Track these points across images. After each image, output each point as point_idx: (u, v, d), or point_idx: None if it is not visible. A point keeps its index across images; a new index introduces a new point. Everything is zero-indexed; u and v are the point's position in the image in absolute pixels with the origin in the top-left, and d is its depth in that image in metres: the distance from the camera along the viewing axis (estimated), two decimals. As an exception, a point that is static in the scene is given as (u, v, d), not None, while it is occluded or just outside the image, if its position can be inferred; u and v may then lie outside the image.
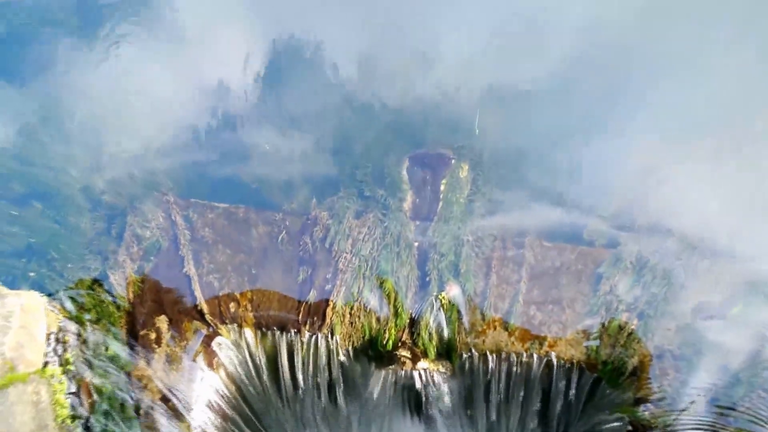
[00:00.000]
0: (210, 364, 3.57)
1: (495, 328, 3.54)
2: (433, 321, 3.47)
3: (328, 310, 3.47)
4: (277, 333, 3.54)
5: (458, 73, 3.74)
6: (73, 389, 3.19)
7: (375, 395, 3.61)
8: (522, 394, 3.62)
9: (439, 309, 3.44)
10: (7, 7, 3.69)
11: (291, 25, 3.91)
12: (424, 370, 3.60)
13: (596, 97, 3.57)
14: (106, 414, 3.21)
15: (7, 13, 3.70)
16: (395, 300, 3.43)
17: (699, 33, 3.58)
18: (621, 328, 3.42)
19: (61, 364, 3.18)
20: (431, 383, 3.60)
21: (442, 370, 3.58)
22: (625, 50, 3.61)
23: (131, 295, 3.35)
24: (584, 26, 3.69)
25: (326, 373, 3.66)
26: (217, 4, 4.01)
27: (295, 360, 3.64)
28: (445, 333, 3.51)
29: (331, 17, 3.90)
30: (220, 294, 3.45)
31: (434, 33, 3.82)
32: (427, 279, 3.40)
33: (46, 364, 3.14)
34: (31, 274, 3.24)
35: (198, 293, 3.48)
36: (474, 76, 3.74)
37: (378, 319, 3.47)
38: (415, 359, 3.60)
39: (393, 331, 3.50)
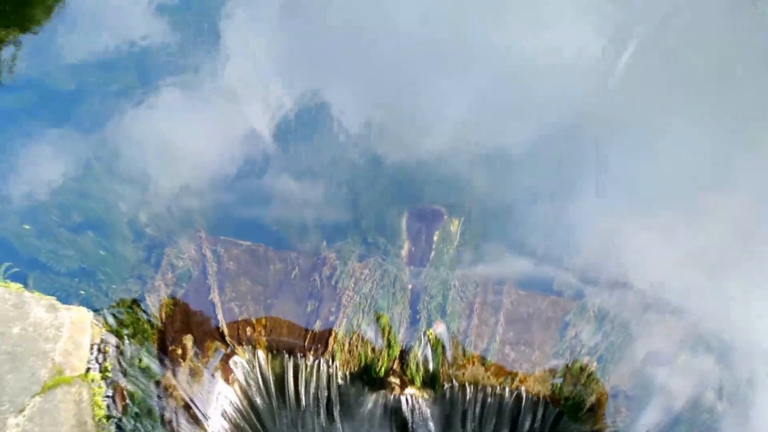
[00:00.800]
0: (227, 380, 4.04)
1: (474, 363, 4.00)
2: (421, 353, 3.94)
3: (331, 339, 3.95)
4: (286, 356, 4.01)
5: (453, 137, 4.28)
6: (110, 393, 3.67)
7: (367, 415, 4.08)
8: (494, 422, 4.06)
9: (427, 343, 3.92)
10: (78, 68, 4.33)
11: (312, 87, 4.50)
12: (411, 395, 4.05)
13: (571, 163, 4.06)
14: (136, 416, 3.68)
15: (78, 72, 4.34)
16: (389, 333, 3.92)
17: (660, 115, 4.13)
18: (582, 369, 3.86)
19: (100, 371, 3.67)
20: (416, 407, 4.06)
21: (426, 396, 4.03)
22: (596, 125, 4.15)
23: (163, 316, 3.85)
24: (562, 100, 4.25)
25: (326, 393, 4.11)
26: (251, 69, 4.61)
27: (300, 380, 4.09)
28: (431, 365, 3.96)
29: (344, 83, 4.48)
30: (239, 319, 3.95)
31: (433, 101, 4.37)
32: (418, 317, 3.89)
33: (88, 370, 3.63)
34: (82, 292, 3.76)
35: (220, 317, 3.97)
36: (466, 140, 4.26)
37: (373, 349, 3.93)
38: (403, 386, 4.05)
39: (386, 360, 3.96)
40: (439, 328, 3.79)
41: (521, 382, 3.72)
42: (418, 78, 4.29)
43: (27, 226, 3.67)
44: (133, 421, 3.46)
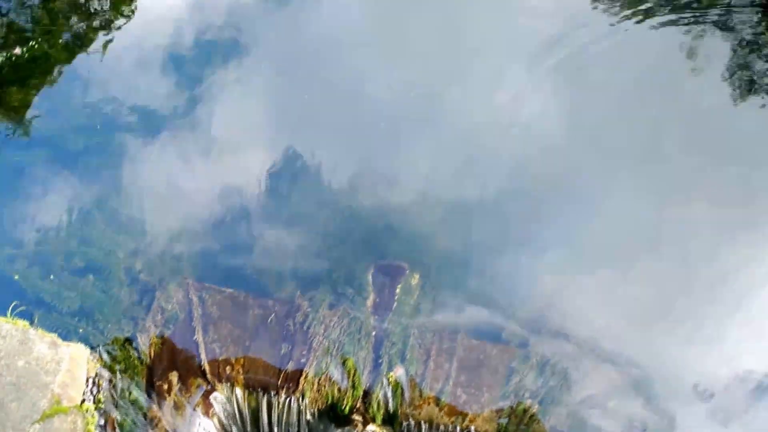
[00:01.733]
0: (207, 413, 4.38)
1: (429, 404, 4.39)
2: (382, 394, 4.31)
3: (302, 379, 4.33)
4: (261, 393, 4.34)
5: (418, 192, 4.65)
6: (102, 423, 4.05)
7: (333, 449, 4.49)
8: (446, 457, 4.48)
9: (388, 385, 4.32)
10: (85, 129, 4.84)
11: (294, 142, 4.91)
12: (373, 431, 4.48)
13: (521, 219, 4.56)
14: (124, 444, 4.09)
15: (86, 133, 4.84)
16: (354, 375, 4.32)
17: (603, 178, 4.63)
18: (525, 410, 4.23)
19: (94, 402, 4.04)
20: (377, 443, 4.48)
21: (386, 433, 4.46)
22: (546, 184, 4.64)
23: (152, 354, 4.24)
24: (516, 161, 4.63)
25: (296, 429, 4.51)
26: (240, 125, 5.12)
27: (273, 415, 4.47)
28: (391, 404, 4.32)
29: (323, 140, 4.90)
30: (220, 359, 4.33)
31: (401, 158, 4.71)
32: (380, 361, 4.26)
33: (83, 401, 3.99)
34: (80, 330, 4.14)
35: (203, 356, 4.34)
36: (430, 195, 4.71)
37: (339, 389, 4.26)
38: (365, 423, 4.42)
39: (350, 399, 4.33)
40: (399, 372, 4.21)
41: (471, 421, 4.12)
42: (389, 137, 4.76)
43: (52, 276, 4.18)
44: (121, 449, 3.85)
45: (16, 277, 4.16)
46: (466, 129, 4.85)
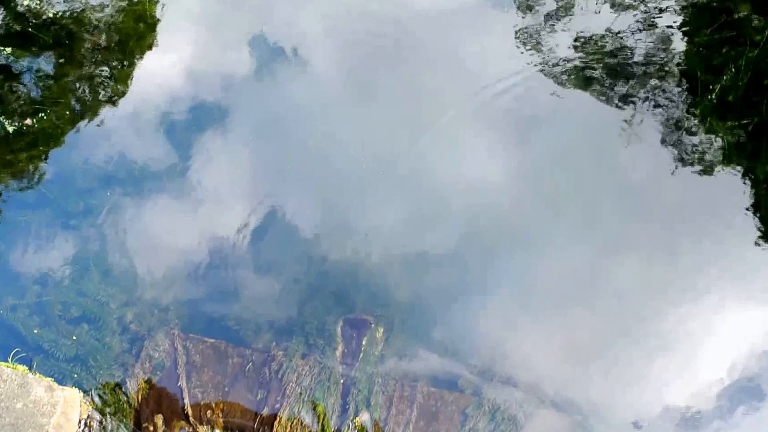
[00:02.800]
0: (187, 456, 4.79)
1: (392, 447, 4.82)
2: (349, 437, 4.76)
3: (276, 423, 4.61)
4: None
5: (383, 246, 4.91)
6: (91, 461, 4.43)
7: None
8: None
9: (354, 429, 4.73)
10: (86, 192, 5.33)
11: (273, 198, 5.16)
12: (343, 473, 4.81)
13: (475, 271, 4.76)
14: (111, 481, 4.42)
15: (86, 195, 5.32)
16: (324, 420, 4.65)
17: (549, 230, 4.98)
18: None
19: (83, 443, 4.44)
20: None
21: (354, 474, 4.79)
22: (500, 236, 4.96)
23: (139, 398, 4.58)
24: (471, 215, 5.04)
25: (272, 472, 4.85)
26: (227, 184, 5.51)
27: (251, 459, 4.86)
28: (359, 448, 4.76)
29: (299, 195, 5.21)
30: (202, 403, 4.66)
31: (369, 214, 5.08)
32: (347, 407, 4.54)
33: (73, 442, 4.40)
34: (75, 375, 4.47)
35: (186, 401, 4.65)
36: (394, 248, 4.93)
37: None
38: (334, 464, 4.82)
39: (320, 442, 4.77)
40: (364, 417, 4.60)
41: (429, 463, 4.53)
42: (358, 194, 5.26)
43: (36, 330, 4.58)
44: (107, 486, 4.19)
45: (36, 331, 4.56)
46: (425, 188, 5.32)
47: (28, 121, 5.32)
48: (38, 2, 6.10)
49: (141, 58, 5.99)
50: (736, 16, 5.97)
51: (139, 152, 5.50)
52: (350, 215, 5.22)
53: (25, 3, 6.04)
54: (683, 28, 6.01)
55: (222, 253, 5.07)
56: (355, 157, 5.48)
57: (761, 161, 5.35)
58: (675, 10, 6.12)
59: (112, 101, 5.73)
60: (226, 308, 4.85)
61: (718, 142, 5.47)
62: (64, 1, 6.17)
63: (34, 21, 5.97)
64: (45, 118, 5.39)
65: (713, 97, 5.55)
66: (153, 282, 4.94)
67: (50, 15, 6.02)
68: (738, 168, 5.36)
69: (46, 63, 5.82)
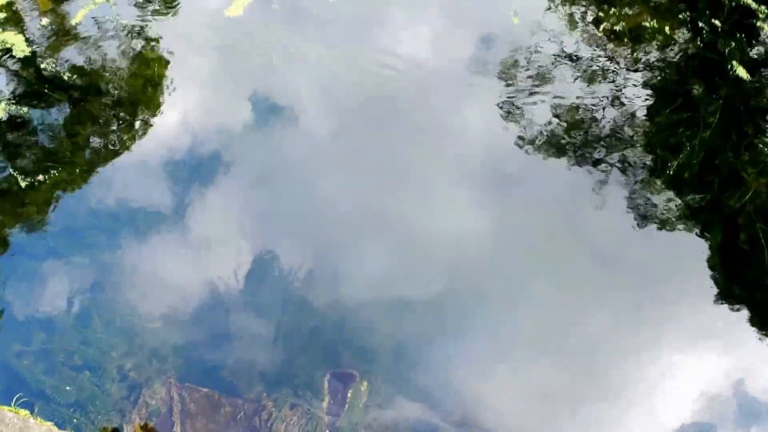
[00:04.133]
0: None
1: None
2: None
3: None
4: None
5: (367, 291, 5.20)
6: (86, 503, 4.60)
7: None
8: None
9: (336, 476, 4.97)
10: (91, 245, 5.62)
11: (266, 244, 5.49)
12: None
13: (454, 322, 5.02)
14: None
15: (91, 247, 5.62)
16: (309, 467, 4.95)
17: (522, 286, 5.30)
18: None
19: (80, 485, 4.62)
20: None
21: None
22: (477, 288, 5.25)
23: (133, 443, 4.85)
24: (449, 264, 5.36)
25: None
26: (223, 232, 5.78)
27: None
28: (339, 493, 4.98)
29: (289, 241, 5.51)
30: None
31: (355, 260, 5.36)
32: None
33: (70, 484, 4.58)
34: (75, 420, 4.65)
35: None
36: (378, 294, 5.23)
37: None
38: None
39: (302, 487, 4.97)
40: (347, 465, 4.88)
41: None
42: (346, 241, 5.61)
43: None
44: None
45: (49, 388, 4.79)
46: (410, 239, 5.65)
47: (41, 177, 5.63)
48: (55, 66, 6.51)
49: (149, 114, 6.39)
50: (693, 92, 6.55)
51: (143, 202, 5.79)
52: (339, 265, 5.53)
53: (43, 66, 6.46)
54: (645, 105, 6.56)
55: (218, 304, 5.34)
56: (343, 210, 5.85)
57: (713, 232, 5.82)
58: (638, 86, 6.68)
59: (119, 154, 6.07)
60: (220, 359, 5.10)
61: (678, 210, 5.93)
62: (80, 65, 6.60)
63: (51, 82, 6.36)
64: (56, 174, 5.71)
65: (670, 173, 6.05)
66: (153, 331, 5.20)
67: (66, 78, 6.42)
68: (695, 232, 5.81)
69: (59, 120, 6.18)
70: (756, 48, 6.89)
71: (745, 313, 5.42)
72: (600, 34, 7.06)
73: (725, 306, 5.44)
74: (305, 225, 5.79)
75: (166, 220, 5.76)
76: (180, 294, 5.40)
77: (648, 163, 6.18)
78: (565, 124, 6.41)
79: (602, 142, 6.31)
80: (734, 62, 6.66)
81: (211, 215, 5.79)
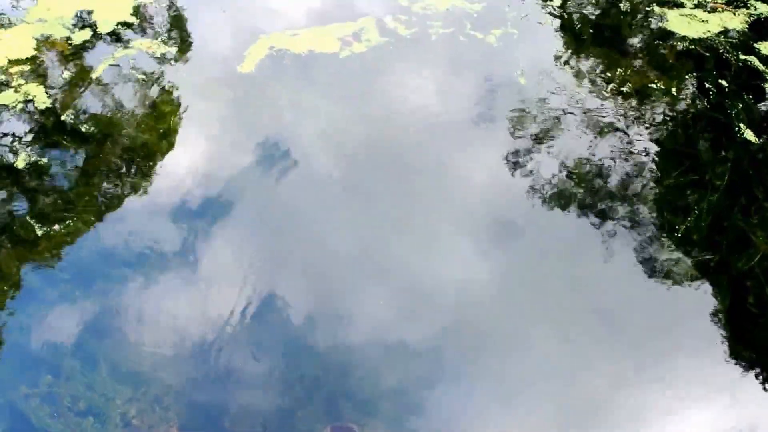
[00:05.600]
0: None
1: None
2: None
3: None
4: None
5: (368, 337, 5.43)
6: None
7: None
8: None
9: None
10: (101, 290, 6.02)
11: (268, 288, 5.77)
12: None
13: (455, 369, 5.29)
14: None
15: (101, 295, 6.01)
16: None
17: (522, 326, 5.55)
18: None
19: None
20: None
21: None
22: (480, 336, 5.47)
23: (132, 491, 5.10)
24: (451, 309, 5.61)
25: None
26: (226, 271, 5.99)
27: None
28: None
29: (292, 285, 5.78)
30: None
31: (355, 305, 5.64)
32: None
33: None
34: None
35: None
36: (378, 341, 5.47)
37: None
38: None
39: None
40: None
41: None
42: (348, 286, 5.91)
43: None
44: None
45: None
46: (412, 286, 5.94)
47: (56, 227, 6.07)
48: (73, 116, 7.06)
49: (161, 162, 6.86)
50: (701, 154, 6.91)
51: (152, 246, 6.13)
52: (340, 310, 5.83)
53: (63, 117, 7.01)
54: (653, 162, 6.93)
55: (222, 349, 5.59)
56: (346, 255, 6.17)
57: (721, 294, 6.08)
58: (646, 141, 7.07)
59: (130, 199, 6.52)
60: (222, 407, 5.33)
61: (685, 270, 6.21)
62: (97, 115, 7.15)
63: (69, 132, 6.90)
64: (71, 224, 6.15)
65: (678, 235, 6.36)
66: (157, 378, 5.49)
67: (83, 129, 6.96)
68: (703, 292, 6.07)
69: (75, 169, 6.66)
70: (764, 110, 7.28)
71: (752, 375, 5.64)
72: (607, 93, 7.51)
73: (732, 366, 5.66)
74: (308, 269, 6.13)
75: (172, 263, 6.08)
76: (184, 338, 5.68)
77: (655, 221, 6.50)
78: (571, 177, 6.78)
79: (609, 197, 6.67)
80: (742, 124, 7.04)
81: (217, 258, 6.15)
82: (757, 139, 6.95)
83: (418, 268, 6.06)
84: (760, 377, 5.63)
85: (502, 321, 5.82)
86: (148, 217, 6.43)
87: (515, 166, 6.90)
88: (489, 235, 6.36)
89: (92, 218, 6.26)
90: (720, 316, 5.93)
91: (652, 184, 6.75)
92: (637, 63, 7.86)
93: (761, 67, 7.57)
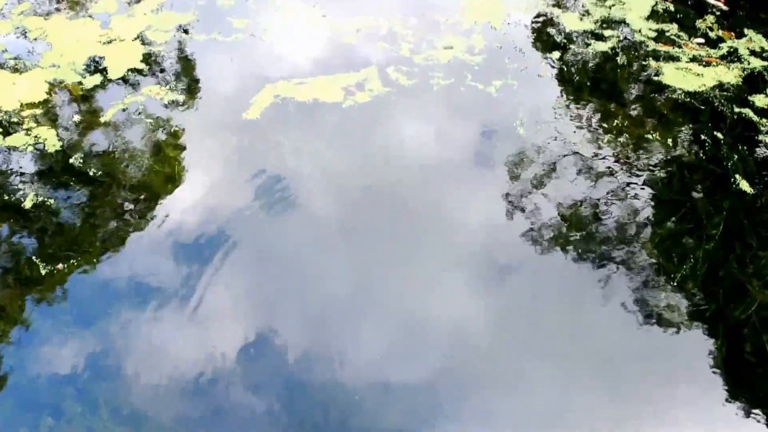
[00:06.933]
0: None
1: None
2: None
3: None
4: None
5: (367, 377, 5.49)
6: None
7: None
8: None
9: None
10: (102, 329, 6.06)
11: (267, 325, 5.84)
12: None
13: (453, 406, 5.32)
14: None
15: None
16: None
17: (522, 373, 5.51)
18: None
19: None
20: None
21: None
22: (474, 375, 5.53)
23: None
24: (445, 350, 5.67)
25: None
26: (226, 309, 5.96)
27: None
28: None
29: (288, 325, 5.83)
30: None
31: (352, 347, 5.63)
32: None
33: None
34: None
35: None
36: (376, 380, 5.51)
37: None
38: None
39: None
40: None
41: None
42: (344, 327, 5.97)
43: None
44: None
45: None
46: (409, 325, 6.00)
47: (60, 266, 6.19)
48: (81, 159, 7.25)
49: (164, 203, 7.01)
50: (696, 203, 7.03)
51: (154, 283, 6.26)
52: (337, 347, 5.89)
53: (72, 160, 7.20)
54: (649, 209, 7.04)
55: (221, 388, 5.66)
56: (343, 292, 6.26)
57: (718, 343, 6.12)
58: (642, 188, 7.19)
59: (133, 238, 6.64)
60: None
61: (682, 317, 6.25)
62: (104, 157, 7.33)
63: (77, 174, 7.08)
64: (75, 264, 6.27)
65: (675, 284, 6.43)
66: (157, 422, 5.52)
67: (91, 172, 7.13)
68: (700, 341, 6.10)
69: (81, 210, 6.82)
70: (758, 161, 7.43)
71: (750, 424, 5.64)
72: (604, 143, 7.68)
73: (730, 415, 5.66)
74: (306, 307, 6.22)
75: (174, 303, 6.18)
76: (185, 379, 5.74)
77: (651, 268, 6.58)
78: (568, 223, 6.89)
79: (606, 244, 6.76)
80: (737, 175, 7.18)
81: (219, 299, 6.25)
82: (752, 190, 7.07)
83: (415, 309, 6.12)
84: (759, 427, 5.62)
85: (499, 364, 5.85)
86: (151, 258, 6.54)
87: (512, 211, 7.03)
88: (486, 279, 6.45)
89: (96, 258, 6.38)
90: (717, 365, 5.95)
91: (648, 232, 6.86)
92: (634, 114, 8.05)
93: (756, 119, 7.75)
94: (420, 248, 6.65)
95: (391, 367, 5.80)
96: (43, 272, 6.16)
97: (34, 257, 6.32)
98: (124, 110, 7.93)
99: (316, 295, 6.28)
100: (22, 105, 7.87)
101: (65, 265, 6.21)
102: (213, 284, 6.29)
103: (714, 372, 5.89)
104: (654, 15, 9.18)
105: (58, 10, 9.29)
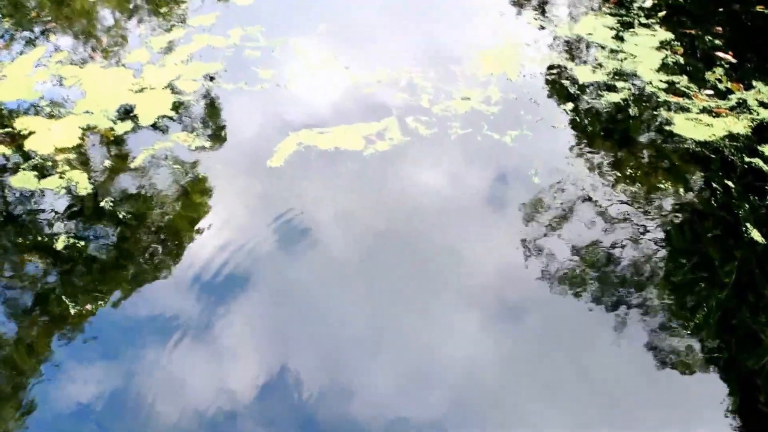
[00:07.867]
0: None
1: None
2: None
3: None
4: None
5: (380, 410, 5.58)
6: None
7: None
8: None
9: None
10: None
11: (281, 360, 5.91)
12: None
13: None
14: None
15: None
16: None
17: (530, 410, 5.49)
18: None
19: None
20: None
21: None
22: (485, 414, 5.52)
23: None
24: (453, 385, 5.71)
25: None
26: (248, 348, 6.14)
27: None
28: None
29: (303, 357, 5.93)
30: None
31: (366, 380, 5.71)
32: None
33: None
34: None
35: None
36: (388, 412, 5.57)
37: None
38: None
39: None
40: None
41: None
42: (357, 364, 6.05)
43: None
44: None
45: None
46: (424, 366, 6.06)
47: (89, 306, 6.37)
48: (111, 203, 7.50)
49: (189, 244, 7.21)
50: (708, 252, 7.08)
51: (179, 328, 6.37)
52: (349, 384, 5.96)
53: (102, 204, 7.45)
54: (662, 256, 7.10)
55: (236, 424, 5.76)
56: (359, 331, 6.35)
57: (732, 392, 6.11)
58: (655, 232, 7.26)
59: (156, 278, 6.83)
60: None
61: (696, 365, 6.27)
62: (133, 201, 7.58)
63: (107, 217, 7.31)
64: (102, 304, 6.45)
65: (688, 331, 6.46)
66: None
67: (121, 214, 7.37)
68: (714, 389, 6.10)
69: (109, 252, 7.04)
70: (770, 211, 7.49)
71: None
72: (617, 192, 7.80)
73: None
74: (319, 343, 6.32)
75: (199, 343, 6.30)
76: (203, 414, 5.82)
77: (664, 316, 6.61)
78: (581, 270, 6.96)
79: (618, 291, 6.82)
80: (748, 224, 7.24)
81: (243, 338, 6.37)
82: (763, 239, 7.12)
83: (428, 349, 6.20)
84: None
85: (510, 406, 5.89)
86: (177, 299, 6.70)
87: (526, 256, 7.12)
88: (499, 321, 6.52)
89: (124, 298, 6.56)
90: (730, 414, 5.94)
91: (660, 280, 6.91)
92: (646, 162, 8.18)
93: (765, 168, 7.84)
94: (435, 290, 6.75)
95: (403, 405, 5.84)
96: (72, 312, 6.34)
97: (64, 297, 6.51)
98: (153, 156, 8.21)
99: (333, 334, 6.37)
100: (56, 149, 8.18)
101: (93, 307, 6.39)
102: (234, 324, 6.42)
103: (727, 422, 5.87)
104: (664, 67, 9.38)
105: (92, 58, 9.69)
